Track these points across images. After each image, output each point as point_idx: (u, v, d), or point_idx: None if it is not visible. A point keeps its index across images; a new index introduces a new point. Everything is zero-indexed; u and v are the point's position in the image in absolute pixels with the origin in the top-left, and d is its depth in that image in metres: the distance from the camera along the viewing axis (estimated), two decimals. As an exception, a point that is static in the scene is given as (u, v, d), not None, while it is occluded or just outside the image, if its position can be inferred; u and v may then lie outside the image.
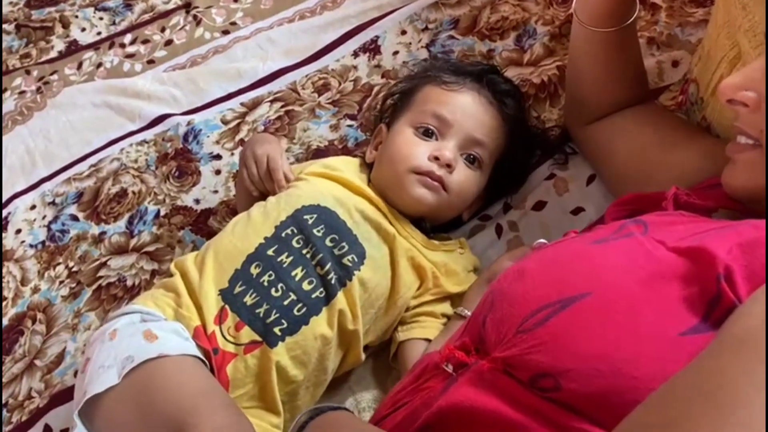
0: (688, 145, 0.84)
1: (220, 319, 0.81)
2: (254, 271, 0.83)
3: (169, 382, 0.73)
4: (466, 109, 0.93)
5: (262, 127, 1.18)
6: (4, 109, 1.36)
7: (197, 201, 1.14)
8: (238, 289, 0.82)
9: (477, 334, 0.65)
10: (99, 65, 1.39)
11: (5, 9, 1.55)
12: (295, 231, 0.86)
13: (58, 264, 1.14)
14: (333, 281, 0.83)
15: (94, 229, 1.16)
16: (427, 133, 0.92)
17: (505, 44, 1.16)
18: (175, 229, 1.12)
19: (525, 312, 0.58)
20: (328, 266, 0.83)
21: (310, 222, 0.86)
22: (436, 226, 0.96)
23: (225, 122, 1.22)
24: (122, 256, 1.12)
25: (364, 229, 0.88)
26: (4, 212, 1.22)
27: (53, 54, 1.45)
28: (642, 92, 0.96)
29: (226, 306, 0.82)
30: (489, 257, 0.97)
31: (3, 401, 1.02)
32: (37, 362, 1.04)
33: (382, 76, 1.19)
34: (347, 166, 0.97)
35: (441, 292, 0.89)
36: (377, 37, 1.23)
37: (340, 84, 1.21)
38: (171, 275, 0.88)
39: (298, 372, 0.81)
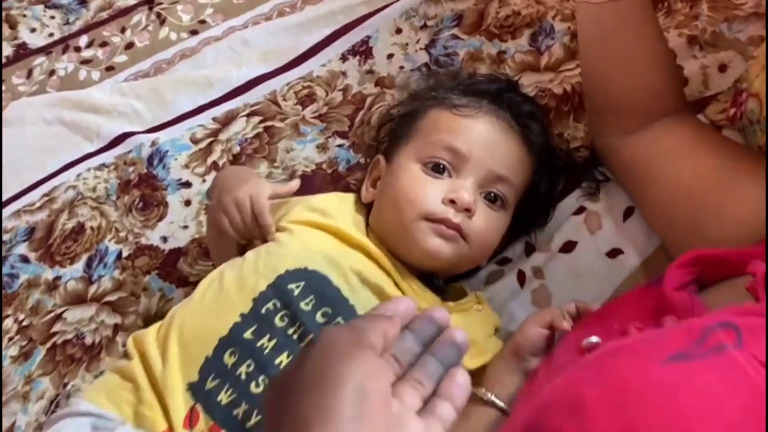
0: (758, 175, 0.68)
1: (190, 421, 0.65)
2: (229, 360, 0.67)
3: None
4: (485, 139, 0.77)
5: (238, 147, 1.02)
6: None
7: (164, 239, 0.98)
8: (210, 384, 0.67)
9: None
10: (51, 73, 1.22)
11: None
12: (278, 305, 0.69)
13: (7, 316, 0.99)
14: None
15: (48, 273, 1.00)
16: (437, 169, 0.76)
17: (518, 45, 0.98)
18: (140, 273, 0.97)
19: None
20: None
21: (297, 292, 0.70)
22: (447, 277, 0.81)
23: (195, 141, 1.05)
24: (80, 307, 0.97)
25: (363, 296, 0.72)
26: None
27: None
28: (676, 90, 0.81)
29: (197, 405, 0.66)
30: (511, 312, 0.81)
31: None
32: (-15, 437, 0.90)
33: (376, 84, 1.02)
34: (341, 209, 0.81)
35: None
36: (368, 37, 1.06)
37: (327, 94, 1.04)
38: (128, 356, 0.72)
39: None
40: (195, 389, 0.67)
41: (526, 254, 0.85)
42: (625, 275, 0.80)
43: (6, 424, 0.90)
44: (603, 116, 0.82)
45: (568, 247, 0.83)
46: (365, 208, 0.82)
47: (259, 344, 0.67)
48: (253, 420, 0.64)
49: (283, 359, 0.67)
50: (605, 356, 0.51)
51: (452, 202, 0.74)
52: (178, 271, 0.95)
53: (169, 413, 0.65)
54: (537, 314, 0.71)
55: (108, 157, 1.07)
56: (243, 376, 0.66)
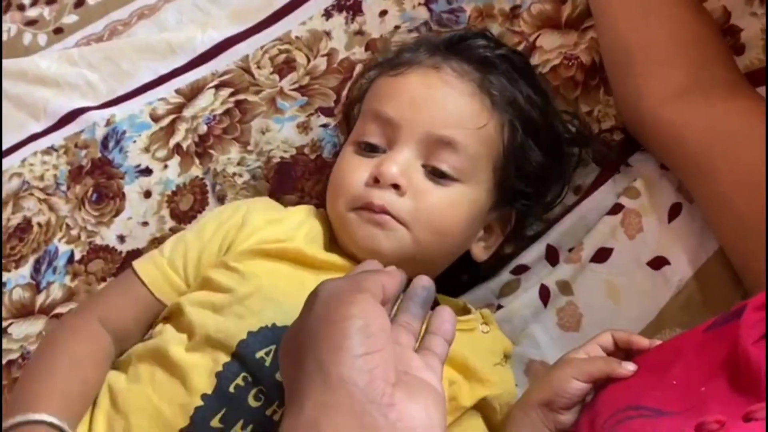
0: None
1: None
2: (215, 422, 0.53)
3: None
4: (419, 96, 0.63)
5: (205, 127, 0.87)
6: None
7: (121, 238, 0.85)
8: None
9: None
10: (-9, 36, 1.06)
11: None
12: (249, 380, 0.55)
13: (-56, 330, 0.86)
14: None
15: (-10, 279, 0.87)
16: (371, 149, 0.64)
17: (536, -9, 0.81)
18: (94, 280, 0.84)
19: None
20: None
21: (268, 362, 0.55)
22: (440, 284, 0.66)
23: (155, 119, 0.90)
24: (27, 321, 0.84)
25: None
26: None
27: (-68, 21, 1.11)
28: (722, 49, 0.67)
29: None
30: (533, 336, 0.68)
31: None
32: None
33: (367, 48, 0.86)
34: (301, 222, 0.67)
35: (458, 408, 0.60)
36: (358, -12, 0.89)
37: (308, 61, 0.88)
38: None
39: None
40: None
41: (549, 262, 0.70)
42: (672, 292, 0.66)
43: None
44: (631, 76, 0.68)
45: (602, 255, 0.68)
46: None
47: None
48: None
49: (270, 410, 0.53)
50: None
51: (376, 181, 0.61)
52: None
53: None
54: (577, 363, 0.56)
55: (57, 138, 0.93)
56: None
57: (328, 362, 0.40)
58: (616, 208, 0.69)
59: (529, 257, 0.72)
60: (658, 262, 0.67)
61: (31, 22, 1.05)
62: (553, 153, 0.69)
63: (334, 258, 0.63)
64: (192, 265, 0.65)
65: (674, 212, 0.68)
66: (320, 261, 0.62)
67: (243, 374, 0.55)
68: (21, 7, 1.06)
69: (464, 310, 0.67)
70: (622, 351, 0.58)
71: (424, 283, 0.48)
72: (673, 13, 0.68)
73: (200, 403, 0.54)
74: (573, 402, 0.55)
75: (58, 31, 1.03)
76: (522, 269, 0.72)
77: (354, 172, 0.63)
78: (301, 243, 0.63)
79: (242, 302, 0.58)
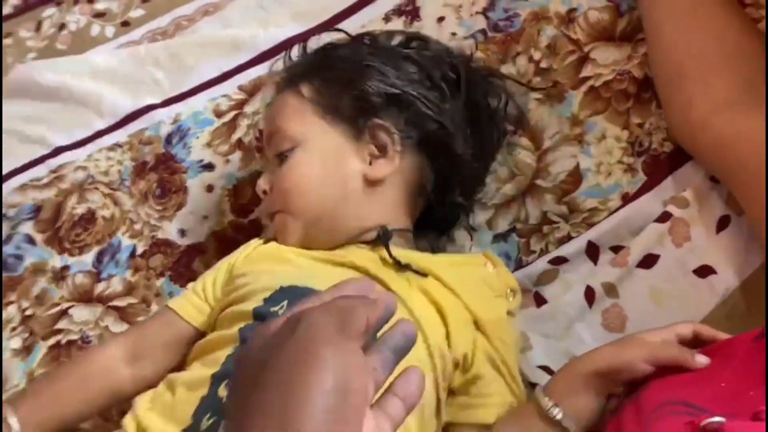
0: None
1: None
2: (223, 393, 0.59)
3: None
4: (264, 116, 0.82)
5: (265, 123, 0.90)
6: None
7: (182, 232, 0.89)
8: (206, 424, 0.58)
9: None
10: (62, 27, 1.11)
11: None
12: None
13: (10, 303, 0.90)
14: None
15: (56, 260, 0.92)
16: None
17: (591, 1, 0.83)
18: (153, 275, 0.88)
19: None
20: None
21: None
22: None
23: (218, 114, 0.94)
24: (87, 306, 0.88)
25: None
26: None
27: (7, 9, 1.16)
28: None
29: None
30: (578, 334, 0.70)
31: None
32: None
33: (424, 52, 0.88)
34: None
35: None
36: (417, -5, 0.92)
37: (367, 61, 0.90)
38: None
39: None
40: None
41: (588, 257, 0.73)
42: (717, 300, 0.67)
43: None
44: (682, 88, 0.70)
45: (649, 261, 0.70)
46: None
47: None
48: None
49: None
50: None
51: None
52: (191, 272, 0.86)
53: None
54: (650, 346, 0.58)
55: (122, 135, 0.97)
56: None
57: (291, 411, 0.35)
58: (665, 216, 0.71)
59: (569, 250, 0.74)
60: (704, 271, 0.69)
61: (99, 15, 1.09)
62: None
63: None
64: (210, 287, 0.72)
65: (723, 224, 0.69)
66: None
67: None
68: (90, 0, 1.11)
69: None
70: (691, 343, 0.59)
71: (405, 329, 0.42)
72: (722, 28, 0.70)
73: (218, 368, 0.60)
74: (630, 380, 0.57)
75: (125, 24, 1.07)
76: (560, 260, 0.74)
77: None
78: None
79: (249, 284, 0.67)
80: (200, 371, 0.62)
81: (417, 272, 0.65)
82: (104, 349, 0.72)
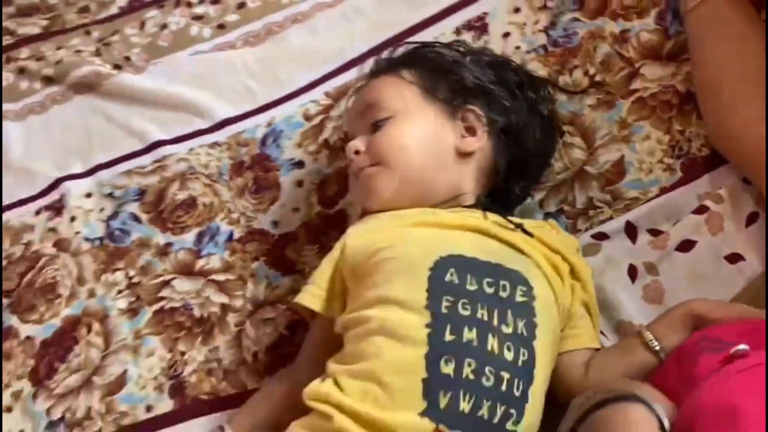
0: None
1: None
2: (448, 370, 0.66)
3: None
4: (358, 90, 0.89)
5: (349, 123, 1.03)
6: (63, 77, 1.22)
7: (275, 223, 1.00)
8: (444, 401, 0.65)
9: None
10: (163, 26, 1.24)
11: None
12: (450, 299, 0.69)
13: (117, 269, 1.02)
14: (523, 332, 0.69)
15: (159, 238, 1.03)
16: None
17: (644, 23, 0.95)
18: (249, 258, 0.99)
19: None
20: (509, 317, 0.69)
21: (457, 279, 0.70)
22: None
23: (308, 118, 1.06)
24: (188, 279, 0.99)
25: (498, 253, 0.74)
26: (56, 194, 1.11)
27: (113, 10, 1.30)
28: None
29: (441, 426, 0.64)
30: (621, 304, 0.81)
31: (59, 416, 0.95)
32: (96, 379, 0.95)
33: (489, 63, 1.01)
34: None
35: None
36: (485, 13, 1.04)
37: (439, 68, 1.03)
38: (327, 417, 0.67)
39: None
40: (431, 413, 0.64)
41: (627, 235, 0.85)
42: (743, 283, 0.78)
43: (117, 370, 0.95)
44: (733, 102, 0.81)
45: (686, 246, 0.82)
46: None
47: (465, 340, 0.67)
48: (499, 413, 0.65)
49: (492, 344, 0.67)
50: (759, 366, 0.50)
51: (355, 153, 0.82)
52: (285, 259, 0.97)
53: None
54: (738, 309, 0.70)
55: (221, 135, 1.08)
56: (471, 377, 0.65)
57: None
58: (702, 209, 0.82)
59: (609, 227, 0.85)
60: (734, 258, 0.80)
61: (197, 17, 1.23)
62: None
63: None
64: (329, 273, 0.78)
65: (751, 219, 0.80)
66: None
67: (446, 297, 0.69)
68: (189, 4, 1.25)
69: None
70: None
71: None
72: (757, 50, 0.81)
73: (429, 331, 0.67)
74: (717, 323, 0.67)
75: (221, 26, 1.20)
76: (602, 236, 0.85)
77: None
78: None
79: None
80: (409, 354, 0.66)
81: (526, 232, 0.77)
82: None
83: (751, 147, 0.78)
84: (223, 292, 0.96)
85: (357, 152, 0.81)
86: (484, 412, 0.64)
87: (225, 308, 0.95)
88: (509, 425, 0.65)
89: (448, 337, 0.66)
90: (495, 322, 0.68)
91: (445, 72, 0.84)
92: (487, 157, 0.83)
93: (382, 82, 0.85)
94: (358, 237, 0.77)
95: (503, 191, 0.86)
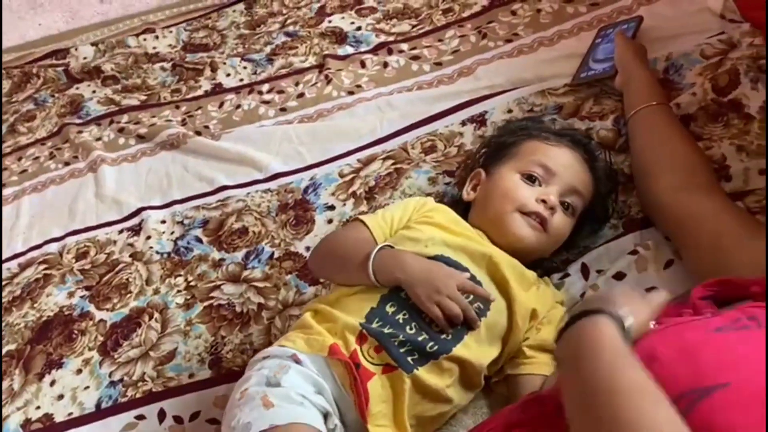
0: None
1: (360, 340, 0.89)
2: (389, 309, 0.92)
3: None
4: (567, 162, 1.05)
5: (373, 182, 1.31)
6: (153, 136, 1.56)
7: (308, 248, 1.25)
8: (375, 324, 0.90)
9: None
10: (238, 106, 1.58)
11: (164, 50, 1.78)
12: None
13: (179, 275, 1.29)
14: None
15: (215, 254, 1.30)
16: (531, 180, 1.04)
17: (604, 124, 1.24)
18: (284, 272, 1.23)
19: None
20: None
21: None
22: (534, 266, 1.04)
23: (342, 176, 1.35)
24: (234, 285, 1.24)
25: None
26: (137, 219, 1.41)
27: (200, 92, 1.65)
28: (707, 169, 1.07)
29: (365, 331, 0.89)
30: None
31: (119, 378, 1.17)
32: (152, 353, 1.18)
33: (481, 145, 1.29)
34: (445, 218, 1.05)
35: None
36: (485, 111, 1.35)
37: (445, 147, 1.32)
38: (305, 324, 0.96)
39: (427, 401, 0.89)
40: (363, 324, 0.90)
41: (582, 274, 1.08)
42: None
43: (169, 348, 1.18)
44: (656, 178, 1.08)
45: (619, 276, 1.04)
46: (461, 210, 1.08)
47: (410, 303, 0.91)
48: (406, 348, 0.88)
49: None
50: (668, 327, 0.73)
51: (543, 201, 1.01)
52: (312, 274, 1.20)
53: (345, 334, 0.90)
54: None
55: (273, 184, 1.39)
56: (400, 321, 0.90)
57: None
58: (634, 252, 1.07)
59: (571, 269, 1.09)
60: (651, 290, 1.04)
61: (265, 102, 1.56)
62: (605, 207, 1.12)
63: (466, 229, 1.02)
64: (396, 221, 1.03)
65: (668, 265, 1.05)
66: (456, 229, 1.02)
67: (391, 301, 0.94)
68: (260, 92, 1.59)
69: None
70: None
71: None
72: (674, 139, 1.09)
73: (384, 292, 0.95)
74: None
75: (283, 110, 1.53)
76: (565, 275, 1.10)
77: (523, 191, 1.02)
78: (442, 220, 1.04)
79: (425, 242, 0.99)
80: (368, 293, 0.94)
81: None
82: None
83: (670, 212, 1.04)
84: (260, 295, 1.21)
85: (552, 209, 1.01)
86: (397, 340, 0.89)
87: (261, 306, 1.19)
88: (410, 359, 0.88)
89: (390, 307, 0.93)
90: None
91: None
92: None
93: (589, 180, 1.07)
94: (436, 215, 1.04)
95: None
